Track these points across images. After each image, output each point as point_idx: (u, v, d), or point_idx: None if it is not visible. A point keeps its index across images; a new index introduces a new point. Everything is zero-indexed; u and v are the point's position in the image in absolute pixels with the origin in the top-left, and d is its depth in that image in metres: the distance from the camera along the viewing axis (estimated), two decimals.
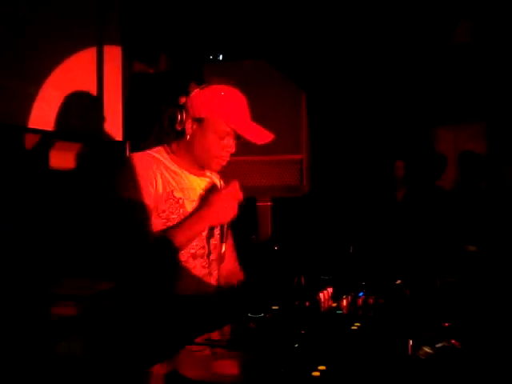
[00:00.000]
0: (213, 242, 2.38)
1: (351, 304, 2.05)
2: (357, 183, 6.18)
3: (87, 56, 4.66)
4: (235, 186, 2.28)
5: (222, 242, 2.38)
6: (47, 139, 4.28)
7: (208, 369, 1.37)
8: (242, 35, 5.90)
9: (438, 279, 2.40)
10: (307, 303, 2.04)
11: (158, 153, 2.30)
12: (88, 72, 4.68)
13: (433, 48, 5.89)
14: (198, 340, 1.63)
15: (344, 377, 1.35)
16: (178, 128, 2.24)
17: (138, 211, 2.13)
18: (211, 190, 2.36)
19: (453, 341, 1.50)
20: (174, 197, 2.23)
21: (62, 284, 3.89)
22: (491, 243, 4.19)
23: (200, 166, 2.35)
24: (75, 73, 4.48)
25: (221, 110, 2.22)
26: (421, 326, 1.70)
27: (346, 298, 2.06)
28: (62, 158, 4.46)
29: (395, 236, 4.89)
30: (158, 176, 2.21)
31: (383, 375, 1.35)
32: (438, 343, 1.47)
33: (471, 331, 1.64)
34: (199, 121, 2.23)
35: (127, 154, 4.92)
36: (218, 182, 2.49)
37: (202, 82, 2.32)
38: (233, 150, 2.29)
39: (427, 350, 1.45)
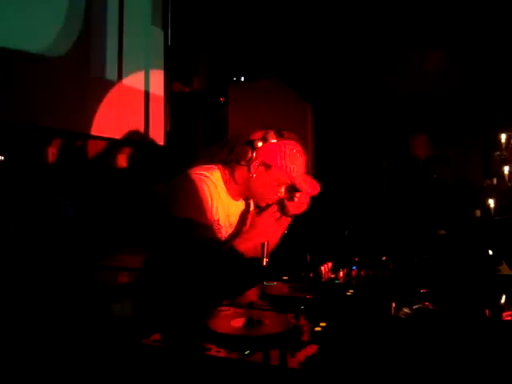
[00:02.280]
0: None
1: (346, 275, 2.06)
2: (352, 180, 6.17)
3: (137, 78, 4.70)
4: (273, 208, 2.11)
5: (263, 256, 2.07)
6: (109, 145, 4.33)
7: (233, 325, 1.39)
8: (258, 58, 5.92)
9: (415, 256, 2.41)
10: (311, 274, 2.06)
11: (215, 177, 2.13)
12: (137, 91, 4.72)
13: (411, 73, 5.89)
14: (226, 302, 1.65)
15: (340, 331, 1.36)
16: (244, 164, 2.08)
17: (202, 224, 2.01)
18: (256, 212, 2.18)
19: (427, 303, 1.51)
20: (218, 224, 2.12)
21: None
22: (457, 228, 4.18)
23: (245, 196, 2.22)
24: (128, 92, 4.52)
25: (288, 166, 2.05)
26: (402, 292, 1.71)
27: (343, 270, 2.07)
28: (117, 159, 4.49)
29: (382, 222, 4.89)
30: (213, 202, 2.08)
31: (371, 330, 1.37)
32: (415, 305, 1.48)
33: (442, 296, 1.65)
34: (267, 166, 2.07)
35: (171, 158, 4.94)
36: (252, 203, 2.33)
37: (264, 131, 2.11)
38: (282, 196, 2.14)
39: (406, 310, 1.46)
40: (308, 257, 2.28)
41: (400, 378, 1.16)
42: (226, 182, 2.15)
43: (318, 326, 1.38)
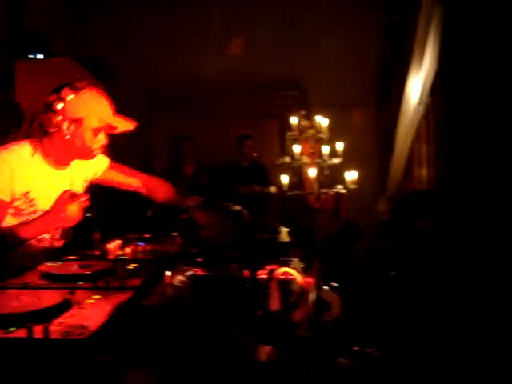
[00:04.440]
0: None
1: (133, 251, 2.11)
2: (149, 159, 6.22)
3: None
4: (68, 195, 2.03)
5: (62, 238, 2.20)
6: None
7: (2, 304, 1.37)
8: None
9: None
10: (98, 252, 2.08)
11: (23, 150, 2.04)
12: None
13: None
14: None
15: (119, 301, 1.41)
16: (53, 130, 2.00)
17: None
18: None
19: (198, 270, 1.62)
20: (27, 197, 2.03)
21: None
22: (253, 204, 4.41)
23: (69, 161, 2.16)
24: None
25: (97, 111, 2.02)
26: (181, 262, 1.79)
27: (129, 246, 2.13)
28: None
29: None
30: (18, 174, 1.99)
31: (147, 297, 1.44)
32: (187, 272, 1.58)
33: (214, 263, 1.77)
34: (77, 121, 2.01)
35: None
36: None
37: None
38: (105, 142, 2.11)
39: (180, 277, 1.55)
40: (96, 235, 2.28)
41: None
42: (44, 154, 2.08)
43: (92, 299, 1.41)
